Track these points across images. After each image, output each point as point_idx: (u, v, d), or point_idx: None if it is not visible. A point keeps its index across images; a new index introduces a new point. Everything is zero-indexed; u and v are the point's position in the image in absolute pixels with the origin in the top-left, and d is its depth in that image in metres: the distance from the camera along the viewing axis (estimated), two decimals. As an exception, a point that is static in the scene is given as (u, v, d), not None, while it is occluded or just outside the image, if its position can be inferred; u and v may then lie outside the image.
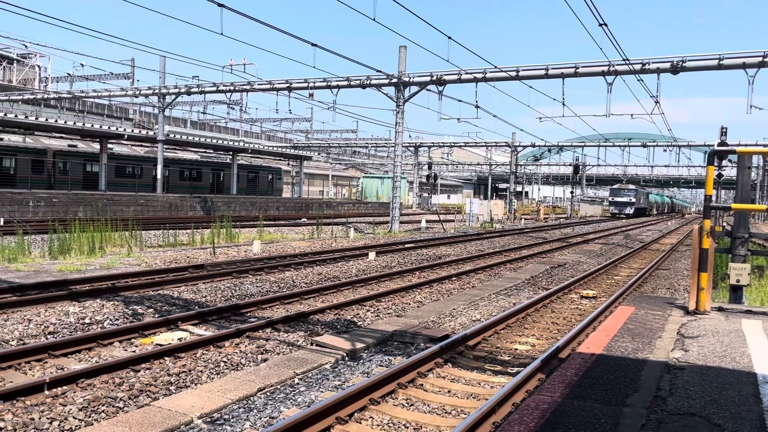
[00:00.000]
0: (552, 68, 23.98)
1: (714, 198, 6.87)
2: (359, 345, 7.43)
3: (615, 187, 67.95)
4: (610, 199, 68.22)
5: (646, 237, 32.13)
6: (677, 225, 53.66)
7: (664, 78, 22.90)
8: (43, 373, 6.22)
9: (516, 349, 7.94)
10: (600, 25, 13.66)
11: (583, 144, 55.03)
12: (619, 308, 7.27)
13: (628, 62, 21.23)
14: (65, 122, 33.60)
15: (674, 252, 23.58)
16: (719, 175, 26.79)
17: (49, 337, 7.52)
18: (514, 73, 24.49)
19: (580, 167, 62.13)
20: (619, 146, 55.06)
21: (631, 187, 66.34)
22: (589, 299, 11.94)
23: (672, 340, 5.63)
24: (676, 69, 21.83)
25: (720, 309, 7.26)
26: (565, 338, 7.70)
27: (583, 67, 23.50)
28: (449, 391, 6.12)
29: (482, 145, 59.90)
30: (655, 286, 14.11)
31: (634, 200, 64.73)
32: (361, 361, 7.05)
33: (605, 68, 22.85)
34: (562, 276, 15.18)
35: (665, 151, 53.45)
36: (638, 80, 22.04)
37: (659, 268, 17.61)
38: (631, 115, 28.71)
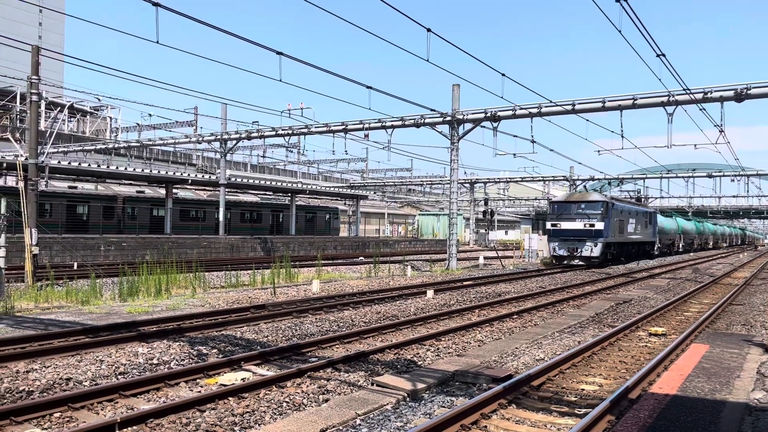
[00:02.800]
0: (609, 100, 23.62)
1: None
2: (420, 385, 7.34)
3: (558, 199, 33.63)
4: (549, 226, 32.68)
5: (717, 271, 30.72)
6: (750, 257, 51.13)
7: (728, 106, 22.15)
8: (114, 413, 6.40)
9: (583, 390, 7.67)
10: (658, 56, 13.43)
11: (644, 176, 53.57)
12: (692, 346, 6.95)
13: (689, 92, 20.70)
14: (134, 170, 35.25)
15: (748, 286, 22.42)
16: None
17: (119, 377, 7.76)
18: (570, 107, 24.24)
19: (643, 200, 60.23)
20: (683, 177, 53.18)
21: (595, 198, 31.98)
22: (659, 337, 11.45)
23: (752, 380, 5.33)
24: (740, 97, 21.13)
25: (803, 346, 6.84)
26: (635, 378, 7.38)
27: (641, 98, 23.04)
28: (514, 434, 5.95)
29: (539, 180, 59.13)
30: (730, 322, 13.41)
31: (600, 227, 30.55)
32: (423, 401, 6.95)
33: (665, 98, 22.33)
34: (628, 312, 14.64)
35: (732, 180, 51.37)
36: (700, 109, 21.41)
37: (733, 304, 16.76)
38: (695, 145, 27.73)
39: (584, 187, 51.89)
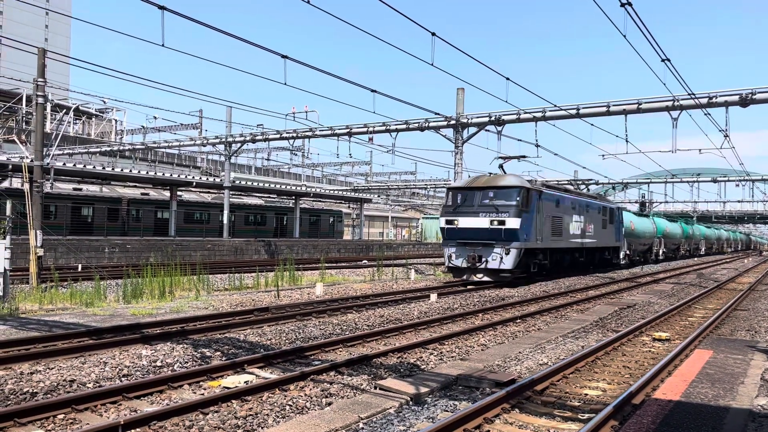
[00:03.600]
0: (614, 105, 23.59)
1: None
2: (423, 389, 7.34)
3: (457, 185, 22.57)
4: (443, 223, 21.61)
5: (721, 276, 30.62)
6: (755, 263, 50.96)
7: (733, 111, 21.96)
8: (117, 415, 6.42)
9: (586, 394, 7.66)
10: (663, 60, 13.43)
11: (648, 181, 53.43)
12: (696, 352, 6.94)
13: (693, 96, 20.68)
14: (138, 172, 35.37)
15: (753, 291, 22.34)
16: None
17: (123, 379, 7.78)
18: (574, 111, 24.23)
19: (647, 204, 59.89)
20: (687, 182, 52.97)
21: (509, 182, 21.02)
22: (663, 342, 11.42)
23: (756, 386, 5.31)
24: (745, 102, 21.10)
25: (808, 353, 6.82)
26: (639, 383, 7.36)
27: (646, 102, 23.02)
28: (517, 438, 5.94)
29: (543, 184, 59.00)
30: (734, 328, 13.37)
31: (514, 225, 20.12)
32: (426, 405, 6.95)
33: (669, 103, 22.31)
34: (632, 317, 14.61)
35: (737, 185, 51.22)
36: (705, 114, 21.39)
37: (737, 309, 16.71)
38: (699, 150, 27.76)
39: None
